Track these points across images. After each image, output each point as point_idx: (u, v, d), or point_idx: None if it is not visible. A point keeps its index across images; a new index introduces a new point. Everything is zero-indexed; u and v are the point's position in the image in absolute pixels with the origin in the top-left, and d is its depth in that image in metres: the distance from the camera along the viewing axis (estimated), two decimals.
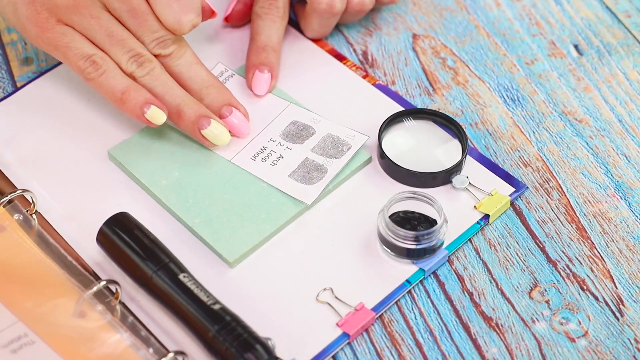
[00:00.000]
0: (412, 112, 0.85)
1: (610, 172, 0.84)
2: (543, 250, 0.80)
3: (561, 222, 0.81)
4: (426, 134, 0.85)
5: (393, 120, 0.84)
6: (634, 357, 0.75)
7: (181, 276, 0.74)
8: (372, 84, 0.89)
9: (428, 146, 0.84)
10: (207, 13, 0.84)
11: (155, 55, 0.82)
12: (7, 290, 0.75)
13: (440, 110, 0.86)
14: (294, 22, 0.94)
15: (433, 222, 0.79)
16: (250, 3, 0.91)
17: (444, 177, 0.82)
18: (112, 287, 0.76)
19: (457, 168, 0.82)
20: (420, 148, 0.84)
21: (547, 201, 0.83)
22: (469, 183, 0.82)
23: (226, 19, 0.91)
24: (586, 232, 0.81)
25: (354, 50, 0.92)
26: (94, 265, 0.78)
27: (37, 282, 0.76)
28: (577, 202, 0.83)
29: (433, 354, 0.75)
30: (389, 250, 0.78)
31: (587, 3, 0.95)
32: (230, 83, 0.88)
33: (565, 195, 0.83)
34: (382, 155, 0.82)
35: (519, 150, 0.86)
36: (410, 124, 0.85)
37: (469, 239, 0.81)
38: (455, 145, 0.84)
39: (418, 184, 0.82)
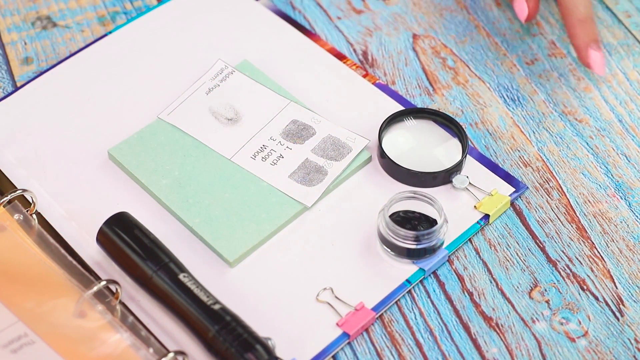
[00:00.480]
0: (412, 112, 0.85)
1: (610, 172, 0.84)
2: (543, 250, 0.80)
3: (561, 222, 0.81)
4: (426, 133, 0.85)
5: (393, 119, 0.84)
6: (634, 357, 0.75)
7: (181, 276, 0.74)
8: (372, 83, 0.89)
9: (428, 146, 0.84)
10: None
11: None
12: (7, 290, 0.75)
13: (440, 110, 0.86)
14: (294, 21, 0.94)
15: (433, 222, 0.79)
16: None
17: (444, 177, 0.82)
18: (112, 287, 0.76)
19: (457, 168, 0.82)
20: (420, 148, 0.84)
21: (547, 201, 0.83)
22: (469, 183, 0.82)
23: (528, 18, 0.89)
24: (586, 232, 0.81)
25: (354, 50, 0.92)
26: (94, 265, 0.78)
27: (37, 282, 0.76)
28: (577, 202, 0.83)
29: (433, 353, 0.75)
30: (389, 250, 0.78)
31: None
32: (231, 80, 0.88)
33: (565, 195, 0.83)
34: (382, 155, 0.82)
35: (519, 150, 0.86)
36: (410, 123, 0.85)
37: (469, 239, 0.81)
38: (455, 145, 0.84)
39: (418, 183, 0.82)
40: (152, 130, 0.85)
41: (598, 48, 0.86)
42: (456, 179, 0.82)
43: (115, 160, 0.83)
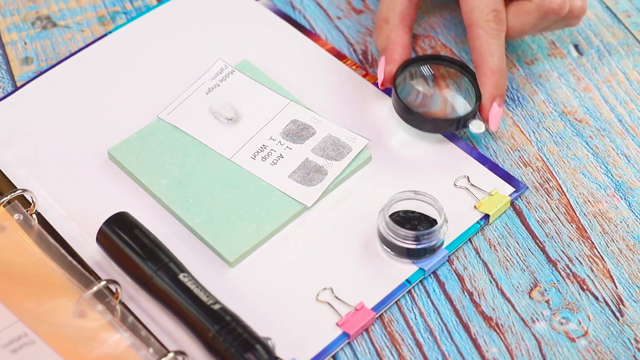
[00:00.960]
0: (428, 58, 0.86)
1: (610, 172, 0.84)
2: (543, 250, 0.80)
3: (561, 222, 0.81)
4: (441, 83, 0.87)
5: (408, 66, 0.85)
6: (634, 357, 0.75)
7: (181, 276, 0.74)
8: (372, 83, 0.89)
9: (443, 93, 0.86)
10: None
11: None
12: (7, 290, 0.75)
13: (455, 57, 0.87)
14: (294, 21, 0.94)
15: (433, 222, 0.79)
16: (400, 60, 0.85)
17: (458, 124, 0.83)
18: (112, 287, 0.76)
19: (471, 115, 0.83)
20: (434, 94, 0.86)
21: (547, 201, 0.83)
22: (470, 182, 0.82)
23: (382, 84, 0.86)
24: (586, 232, 0.81)
25: (354, 50, 0.92)
26: (94, 265, 0.78)
27: (37, 282, 0.76)
28: (577, 202, 0.83)
29: (433, 353, 0.75)
30: (389, 250, 0.78)
31: (587, 3, 0.95)
32: (231, 79, 0.88)
33: (565, 195, 0.83)
34: (398, 102, 0.83)
35: (519, 150, 0.86)
36: (424, 71, 0.86)
37: (469, 239, 0.81)
38: (466, 96, 0.86)
39: (433, 129, 0.83)
40: (152, 130, 0.85)
41: (501, 104, 0.83)
42: (472, 124, 0.83)
43: (115, 160, 0.83)
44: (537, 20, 0.84)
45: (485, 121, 0.84)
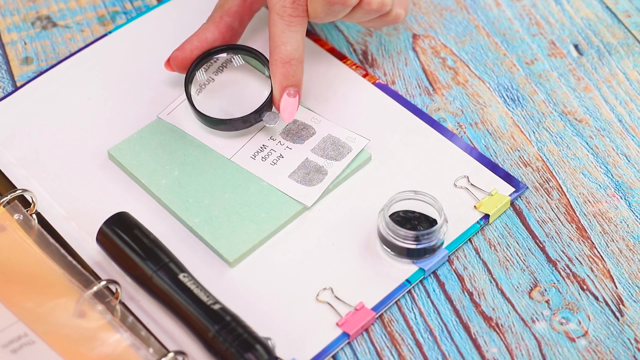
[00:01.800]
0: (208, 55, 0.85)
1: (610, 172, 0.84)
2: (543, 250, 0.80)
3: (561, 222, 0.82)
4: (240, 74, 0.86)
5: (196, 67, 0.85)
6: (634, 357, 0.75)
7: (181, 276, 0.74)
8: (372, 83, 0.89)
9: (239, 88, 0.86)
10: None
11: None
12: (7, 290, 0.75)
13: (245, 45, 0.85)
14: None
15: (433, 222, 0.79)
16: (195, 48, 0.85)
17: (254, 118, 0.82)
18: (112, 287, 0.76)
19: (265, 107, 0.82)
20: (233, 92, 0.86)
21: (547, 201, 0.83)
22: (470, 182, 0.82)
23: (165, 64, 0.86)
24: (586, 232, 0.81)
25: (354, 50, 0.92)
26: (94, 265, 0.78)
27: (37, 282, 0.76)
28: (577, 202, 0.83)
29: (433, 353, 0.75)
30: (389, 250, 0.78)
31: (587, 3, 0.95)
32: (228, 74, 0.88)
33: (565, 195, 0.83)
34: (193, 107, 0.83)
35: (519, 150, 0.86)
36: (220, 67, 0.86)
37: (469, 239, 0.81)
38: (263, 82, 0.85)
39: (232, 128, 0.83)
40: (152, 130, 0.85)
41: (294, 94, 0.81)
42: (266, 117, 0.82)
43: (115, 160, 0.83)
44: (326, 7, 0.79)
45: (277, 109, 0.82)
